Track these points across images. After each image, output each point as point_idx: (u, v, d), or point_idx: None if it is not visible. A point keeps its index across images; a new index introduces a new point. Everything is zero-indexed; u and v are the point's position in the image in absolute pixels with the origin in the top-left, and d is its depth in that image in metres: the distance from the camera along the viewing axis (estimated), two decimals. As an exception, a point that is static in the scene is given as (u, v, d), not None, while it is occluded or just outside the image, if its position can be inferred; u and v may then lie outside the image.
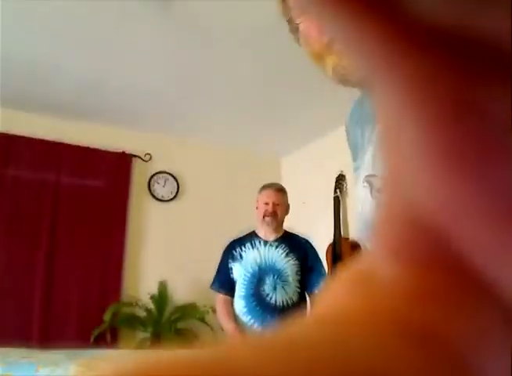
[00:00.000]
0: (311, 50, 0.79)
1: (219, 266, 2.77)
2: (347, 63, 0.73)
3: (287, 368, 0.14)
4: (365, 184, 0.81)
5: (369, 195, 0.79)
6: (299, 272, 2.63)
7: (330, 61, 0.75)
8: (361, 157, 0.85)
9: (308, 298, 2.71)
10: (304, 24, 0.79)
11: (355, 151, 0.89)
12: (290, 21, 0.85)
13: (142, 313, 3.69)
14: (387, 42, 0.11)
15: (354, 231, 3.36)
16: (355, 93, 0.89)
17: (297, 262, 2.63)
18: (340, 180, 3.70)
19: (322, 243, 3.34)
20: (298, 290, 2.62)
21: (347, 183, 3.64)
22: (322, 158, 4.03)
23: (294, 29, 0.83)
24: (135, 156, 4.07)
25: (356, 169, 0.88)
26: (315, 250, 2.76)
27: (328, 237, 3.56)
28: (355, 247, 3.35)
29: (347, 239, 3.55)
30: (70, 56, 2.98)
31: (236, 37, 2.74)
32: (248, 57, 2.98)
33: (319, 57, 0.78)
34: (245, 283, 2.62)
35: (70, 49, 2.91)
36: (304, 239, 2.78)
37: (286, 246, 2.66)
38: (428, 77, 0.11)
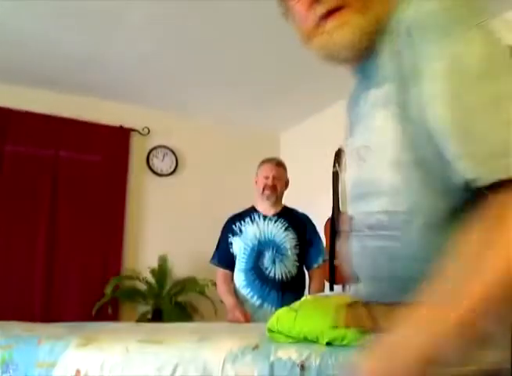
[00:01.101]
0: (301, 28, 0.79)
1: (219, 241, 2.78)
2: (336, 41, 0.73)
3: None
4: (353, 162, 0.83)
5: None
6: (297, 247, 2.65)
7: (320, 39, 0.75)
8: (352, 136, 0.87)
9: (306, 272, 2.73)
10: (295, 2, 0.78)
11: (349, 130, 0.91)
12: None
13: (143, 287, 3.72)
14: None
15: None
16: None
17: (295, 236, 2.65)
18: (339, 155, 3.68)
19: (321, 218, 3.35)
20: (297, 264, 2.64)
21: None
22: (321, 133, 4.01)
23: (285, 6, 0.82)
24: (133, 130, 4.05)
25: (348, 146, 0.90)
26: (313, 225, 2.77)
27: (327, 212, 3.57)
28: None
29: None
30: (68, 29, 2.93)
31: (236, 13, 2.70)
32: (248, 33, 2.94)
33: (308, 35, 0.78)
34: (245, 257, 2.63)
35: (67, 23, 2.86)
36: (302, 214, 2.79)
37: (285, 220, 2.67)
38: None
